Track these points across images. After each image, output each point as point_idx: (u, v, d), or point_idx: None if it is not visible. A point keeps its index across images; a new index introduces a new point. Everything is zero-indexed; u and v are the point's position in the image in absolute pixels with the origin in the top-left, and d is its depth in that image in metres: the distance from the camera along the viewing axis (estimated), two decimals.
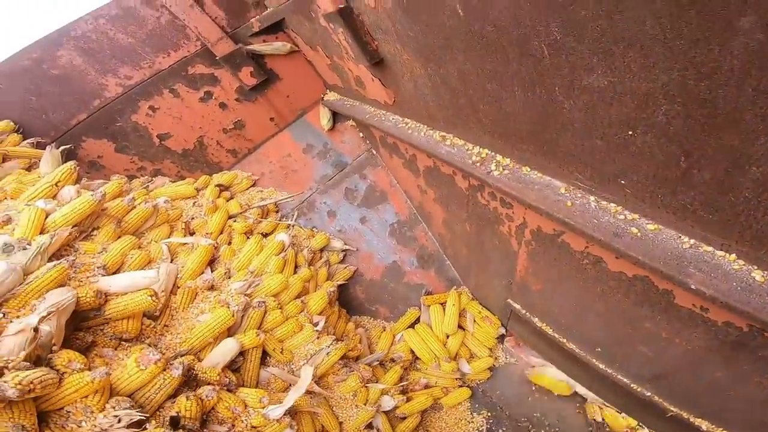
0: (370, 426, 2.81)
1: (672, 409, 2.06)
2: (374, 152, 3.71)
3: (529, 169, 1.83)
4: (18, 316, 1.69)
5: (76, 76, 2.89)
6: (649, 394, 2.14)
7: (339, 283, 3.31)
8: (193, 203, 3.07)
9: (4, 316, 1.56)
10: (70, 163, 2.40)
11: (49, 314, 1.57)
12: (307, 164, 3.68)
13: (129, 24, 2.95)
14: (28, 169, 2.67)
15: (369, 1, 1.91)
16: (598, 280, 1.85)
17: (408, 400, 3.12)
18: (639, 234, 1.42)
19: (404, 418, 3.09)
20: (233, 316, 2.30)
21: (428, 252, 3.66)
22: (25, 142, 2.79)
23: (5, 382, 1.39)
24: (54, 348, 1.66)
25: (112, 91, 3.02)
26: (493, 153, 2.00)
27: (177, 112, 3.25)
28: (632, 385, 2.21)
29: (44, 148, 2.77)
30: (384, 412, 2.93)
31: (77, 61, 2.87)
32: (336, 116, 3.70)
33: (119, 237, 2.38)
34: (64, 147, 2.80)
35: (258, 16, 3.22)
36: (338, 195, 3.65)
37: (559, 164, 1.64)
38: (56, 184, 2.29)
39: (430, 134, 2.39)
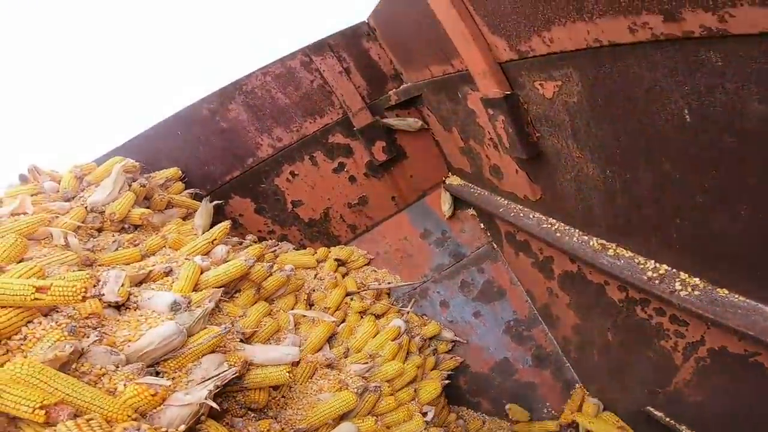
0: None
1: None
2: (495, 246, 3.57)
3: (727, 292, 1.62)
4: (173, 378, 1.67)
5: (239, 130, 3.10)
6: None
7: (447, 373, 3.07)
8: (315, 275, 3.10)
9: (171, 382, 1.52)
10: (226, 223, 2.55)
11: (216, 388, 1.51)
12: (424, 250, 3.60)
13: (288, 84, 3.14)
14: (185, 218, 2.88)
15: (545, 91, 1.86)
16: None
17: None
18: None
19: None
20: (356, 401, 2.15)
21: (546, 352, 3.34)
22: (185, 192, 3.00)
23: None
24: (202, 417, 1.59)
25: (264, 151, 3.18)
26: (674, 270, 1.81)
27: (312, 181, 3.36)
28: None
29: (200, 199, 2.94)
30: None
31: (243, 116, 3.09)
32: (456, 202, 3.65)
33: (255, 302, 2.41)
34: (217, 202, 2.96)
35: (396, 90, 3.31)
36: (453, 286, 3.51)
37: None
38: (212, 242, 2.42)
39: (584, 240, 2.22)
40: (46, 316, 1.58)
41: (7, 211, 2.27)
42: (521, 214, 2.67)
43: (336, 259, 3.29)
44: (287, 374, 1.93)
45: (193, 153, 3.07)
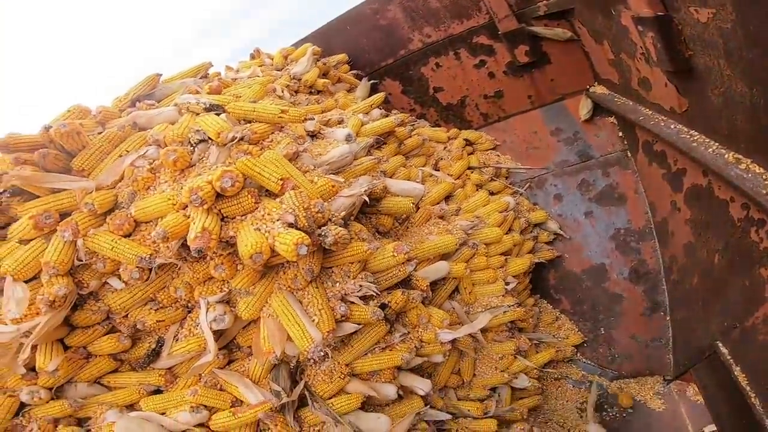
0: (493, 389, 2.83)
1: None
2: (629, 155, 3.57)
3: None
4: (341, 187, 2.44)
5: (394, 28, 3.76)
6: None
7: (541, 260, 3.46)
8: (444, 147, 3.72)
9: (345, 180, 2.32)
10: (382, 94, 3.37)
11: (367, 190, 2.26)
12: (551, 146, 3.81)
13: None
14: (349, 91, 3.77)
15: (700, 17, 1.94)
16: None
17: (542, 391, 3.13)
18: None
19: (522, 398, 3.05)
20: (456, 245, 2.74)
21: (646, 269, 3.40)
22: (350, 72, 3.93)
23: (330, 230, 1.87)
24: (351, 219, 2.30)
25: (414, 45, 3.82)
26: None
27: (453, 73, 3.88)
28: None
29: (360, 79, 3.87)
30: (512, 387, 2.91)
31: (399, 16, 3.71)
32: (595, 110, 3.65)
33: (396, 154, 3.16)
34: (373, 81, 3.83)
35: (546, 2, 3.32)
36: (572, 183, 3.70)
37: None
38: (371, 105, 3.22)
39: (720, 153, 2.31)
40: (280, 130, 2.43)
41: (246, 74, 3.29)
42: (662, 124, 2.77)
43: (465, 139, 3.80)
44: (411, 206, 2.63)
45: (357, 43, 3.90)
